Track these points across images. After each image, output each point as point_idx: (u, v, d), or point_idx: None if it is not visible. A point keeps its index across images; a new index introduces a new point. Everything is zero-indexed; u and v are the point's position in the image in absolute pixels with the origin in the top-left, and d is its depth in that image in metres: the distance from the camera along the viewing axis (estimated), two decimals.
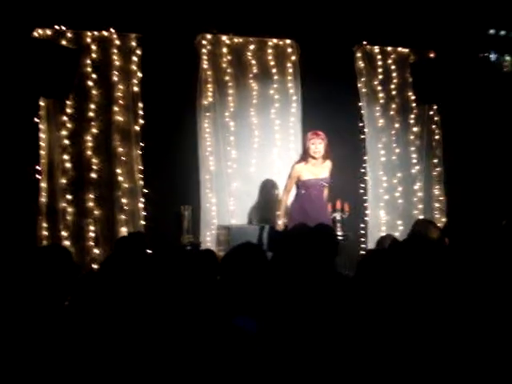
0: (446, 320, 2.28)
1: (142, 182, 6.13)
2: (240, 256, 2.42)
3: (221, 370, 1.82)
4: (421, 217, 6.71)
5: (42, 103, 5.89)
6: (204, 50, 6.42)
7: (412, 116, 7.06)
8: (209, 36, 6.45)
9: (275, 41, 6.70)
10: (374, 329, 2.14)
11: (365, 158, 6.82)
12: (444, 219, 6.86)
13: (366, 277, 2.43)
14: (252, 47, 6.60)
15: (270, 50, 6.68)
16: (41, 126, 5.89)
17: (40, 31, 5.88)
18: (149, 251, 4.21)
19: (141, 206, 6.10)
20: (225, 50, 6.50)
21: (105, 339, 2.23)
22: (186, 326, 2.22)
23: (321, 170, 5.75)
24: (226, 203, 6.42)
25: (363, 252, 6.23)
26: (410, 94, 7.00)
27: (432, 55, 7.04)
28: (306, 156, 5.72)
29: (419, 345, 2.14)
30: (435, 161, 7.06)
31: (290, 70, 6.71)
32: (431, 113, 7.10)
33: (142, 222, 6.08)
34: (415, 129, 7.05)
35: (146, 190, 6.12)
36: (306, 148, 5.74)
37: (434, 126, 7.10)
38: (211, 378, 1.83)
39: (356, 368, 2.04)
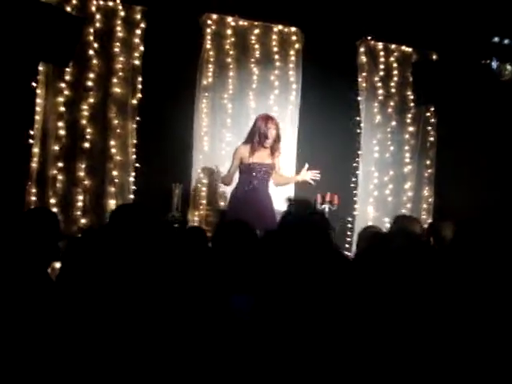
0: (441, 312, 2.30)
1: (134, 156, 6.11)
2: (232, 233, 2.43)
3: (216, 352, 1.83)
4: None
5: (41, 68, 5.84)
6: (208, 30, 6.39)
7: (409, 115, 7.08)
8: (214, 16, 6.42)
9: (280, 27, 6.67)
10: (374, 312, 2.16)
11: (359, 152, 6.84)
12: (430, 220, 6.90)
13: (367, 257, 2.44)
14: (256, 31, 6.58)
15: (274, 36, 6.65)
16: (38, 91, 5.84)
17: None
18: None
19: (131, 179, 6.10)
20: (229, 31, 6.48)
21: (92, 312, 2.22)
22: (179, 304, 2.22)
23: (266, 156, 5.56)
24: (216, 185, 6.42)
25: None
26: (408, 93, 7.01)
27: (434, 57, 7.05)
28: (255, 139, 5.47)
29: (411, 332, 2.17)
30: (428, 162, 7.10)
31: (293, 58, 6.69)
32: (428, 114, 7.12)
33: (131, 196, 6.08)
34: (411, 128, 7.08)
35: (137, 165, 6.11)
36: (257, 131, 5.48)
37: (429, 128, 7.13)
38: (206, 361, 1.84)
39: (355, 349, 2.06)
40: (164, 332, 2.13)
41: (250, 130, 5.64)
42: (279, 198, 5.89)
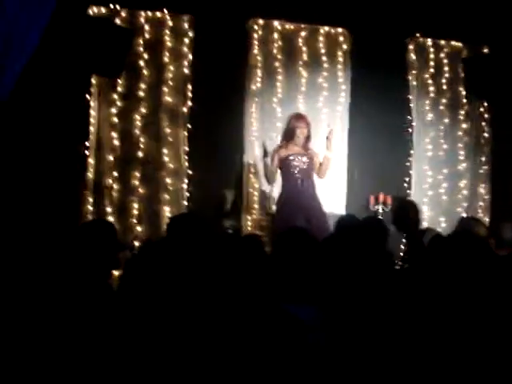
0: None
1: (186, 164, 6.19)
2: (292, 241, 2.43)
3: (274, 358, 1.84)
4: (464, 215, 6.63)
5: (93, 80, 5.99)
6: (255, 35, 6.42)
7: (462, 112, 6.92)
8: (260, 21, 6.44)
9: (327, 29, 6.64)
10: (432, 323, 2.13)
11: (411, 151, 6.74)
12: (487, 219, 6.75)
13: (426, 266, 2.41)
14: (303, 34, 6.56)
15: (321, 38, 6.62)
16: (91, 103, 5.99)
17: (95, 9, 5.98)
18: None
19: (184, 186, 6.17)
20: (276, 35, 6.48)
21: (152, 320, 2.25)
22: (237, 311, 2.24)
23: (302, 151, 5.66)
24: (268, 189, 6.42)
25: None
26: (460, 89, 6.87)
27: (486, 50, 6.88)
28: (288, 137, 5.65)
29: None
30: (483, 159, 6.93)
31: (341, 59, 6.65)
32: (481, 109, 6.95)
33: (185, 203, 6.15)
34: (464, 125, 6.92)
35: (190, 172, 6.18)
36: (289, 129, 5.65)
37: (483, 123, 6.96)
38: (263, 367, 1.84)
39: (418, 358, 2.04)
40: (226, 344, 2.14)
41: (283, 130, 5.78)
42: (332, 200, 5.91)
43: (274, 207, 6.39)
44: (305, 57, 6.57)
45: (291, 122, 5.67)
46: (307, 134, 5.64)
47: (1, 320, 2.33)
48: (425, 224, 6.50)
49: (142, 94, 6.11)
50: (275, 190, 6.40)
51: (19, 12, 3.95)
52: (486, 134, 6.95)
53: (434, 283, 2.43)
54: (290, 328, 1.90)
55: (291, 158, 5.59)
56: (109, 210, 5.98)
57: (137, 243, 5.93)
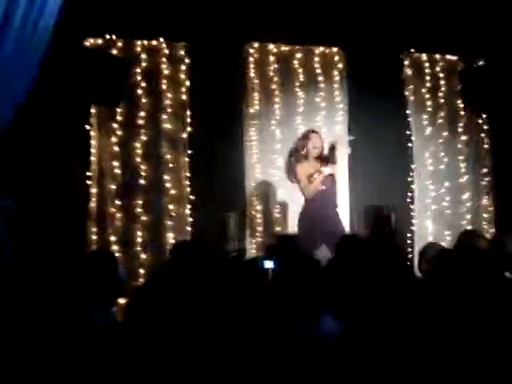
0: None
1: (188, 189, 6.21)
2: (293, 264, 2.43)
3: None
4: (469, 227, 6.62)
5: (93, 110, 6.03)
6: (251, 59, 6.48)
7: (460, 125, 6.94)
8: (256, 44, 6.51)
9: (322, 49, 6.69)
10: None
11: (412, 166, 6.75)
12: (492, 230, 6.73)
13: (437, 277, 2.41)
14: (299, 55, 6.62)
15: (316, 58, 6.67)
16: (92, 133, 6.04)
17: (91, 40, 6.04)
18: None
19: (187, 212, 6.18)
20: (272, 58, 6.54)
21: (156, 351, 2.25)
22: (246, 334, 2.23)
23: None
24: (271, 211, 6.44)
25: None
26: (458, 102, 6.89)
27: (481, 63, 6.92)
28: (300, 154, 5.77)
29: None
30: (484, 170, 6.94)
31: (337, 78, 6.70)
32: (480, 121, 6.97)
33: (189, 229, 6.15)
34: (464, 137, 6.93)
35: (192, 197, 6.19)
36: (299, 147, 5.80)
37: (483, 135, 6.97)
38: None
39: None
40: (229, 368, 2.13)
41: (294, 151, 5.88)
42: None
43: (278, 228, 6.44)
44: (301, 78, 6.62)
45: (297, 142, 5.88)
46: (319, 146, 5.80)
47: None
48: (429, 239, 6.52)
49: (141, 121, 6.15)
50: (278, 211, 6.46)
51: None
52: (486, 146, 6.96)
53: (437, 297, 2.43)
54: (311, 350, 1.89)
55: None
56: (113, 238, 5.99)
57: (142, 271, 5.94)
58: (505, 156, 6.81)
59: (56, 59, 5.39)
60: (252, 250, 6.27)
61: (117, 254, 5.53)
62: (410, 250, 6.61)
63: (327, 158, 5.80)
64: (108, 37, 6.06)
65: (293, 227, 6.28)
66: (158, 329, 2.23)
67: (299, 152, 5.79)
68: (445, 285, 2.47)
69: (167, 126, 6.22)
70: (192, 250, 3.35)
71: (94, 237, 5.97)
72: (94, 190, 6.01)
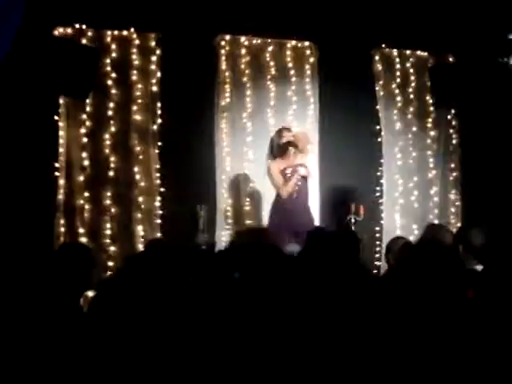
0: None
1: (158, 181, 6.17)
2: (263, 259, 2.44)
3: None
4: (436, 221, 6.71)
5: (61, 101, 5.95)
6: (222, 51, 6.45)
7: (429, 120, 7.02)
8: (227, 37, 6.48)
9: (294, 42, 6.70)
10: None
11: (381, 161, 6.81)
12: (459, 224, 6.83)
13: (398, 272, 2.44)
14: (270, 48, 6.61)
15: (288, 52, 6.67)
16: (60, 124, 5.95)
17: (61, 30, 5.94)
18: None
19: (157, 204, 6.14)
20: (243, 51, 6.52)
21: (123, 341, 2.24)
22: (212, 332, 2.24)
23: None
24: (242, 203, 6.44)
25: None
26: (427, 97, 6.97)
27: (451, 59, 7.00)
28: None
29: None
30: (452, 165, 7.04)
31: (308, 72, 6.71)
32: (449, 117, 7.07)
33: (158, 221, 6.12)
34: (432, 133, 7.02)
35: (162, 189, 6.16)
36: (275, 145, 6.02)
37: (451, 131, 7.07)
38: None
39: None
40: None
41: (270, 148, 6.06)
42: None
43: (248, 222, 6.45)
44: (273, 71, 6.61)
45: (274, 138, 6.10)
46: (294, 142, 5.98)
47: None
48: (398, 232, 6.60)
49: (110, 113, 6.08)
50: (248, 204, 6.46)
51: None
52: (454, 141, 7.06)
53: (403, 292, 2.46)
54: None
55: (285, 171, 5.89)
56: (81, 230, 5.93)
57: (110, 263, 5.89)
58: (472, 152, 6.91)
59: (25, 48, 5.32)
60: (222, 243, 6.26)
61: None
62: (378, 243, 6.68)
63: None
64: (78, 26, 5.97)
65: (264, 220, 6.33)
66: (122, 321, 2.23)
67: (273, 149, 5.95)
68: (407, 278, 2.51)
69: (137, 117, 6.16)
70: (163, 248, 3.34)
71: (63, 229, 5.89)
72: (62, 182, 5.93)
